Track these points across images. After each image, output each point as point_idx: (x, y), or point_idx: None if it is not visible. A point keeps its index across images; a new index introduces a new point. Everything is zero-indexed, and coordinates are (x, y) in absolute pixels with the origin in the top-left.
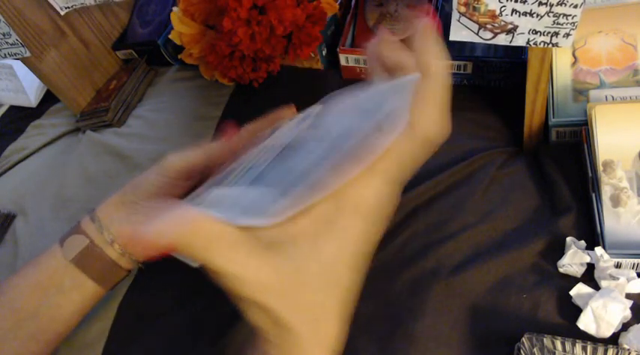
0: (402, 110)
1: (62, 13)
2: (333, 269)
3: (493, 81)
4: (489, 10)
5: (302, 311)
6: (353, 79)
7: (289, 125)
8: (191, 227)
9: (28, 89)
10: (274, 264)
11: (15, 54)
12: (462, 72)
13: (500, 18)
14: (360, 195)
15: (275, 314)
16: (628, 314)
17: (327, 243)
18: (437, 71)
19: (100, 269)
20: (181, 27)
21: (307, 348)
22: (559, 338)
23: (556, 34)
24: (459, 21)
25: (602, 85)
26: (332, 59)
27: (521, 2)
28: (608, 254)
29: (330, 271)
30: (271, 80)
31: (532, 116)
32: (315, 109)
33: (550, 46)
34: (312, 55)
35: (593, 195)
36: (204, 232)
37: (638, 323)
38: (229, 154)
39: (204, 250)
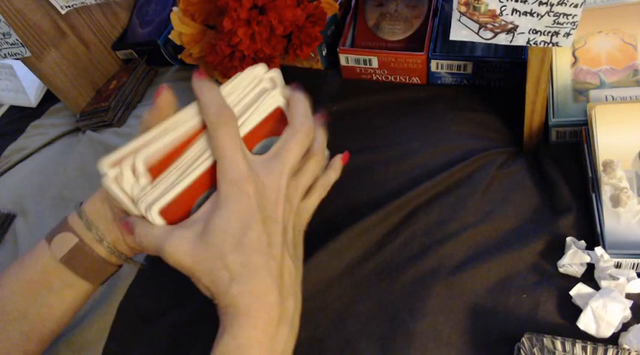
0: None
1: (63, 12)
2: (231, 231)
3: (493, 81)
4: (490, 10)
5: (222, 270)
6: (353, 78)
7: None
8: (139, 232)
9: (28, 89)
10: (184, 237)
11: (15, 54)
12: (462, 72)
13: (500, 17)
14: (227, 170)
15: (204, 275)
16: (628, 314)
17: (218, 214)
18: (218, 119)
19: (89, 267)
20: (181, 27)
21: (235, 301)
22: (559, 338)
23: (556, 33)
24: (459, 21)
25: (602, 85)
26: (332, 59)
27: (521, 2)
28: (608, 254)
29: (228, 233)
30: None
31: (532, 116)
32: None
33: (550, 45)
34: (312, 55)
35: (593, 195)
36: (145, 237)
37: (638, 323)
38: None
39: (148, 246)
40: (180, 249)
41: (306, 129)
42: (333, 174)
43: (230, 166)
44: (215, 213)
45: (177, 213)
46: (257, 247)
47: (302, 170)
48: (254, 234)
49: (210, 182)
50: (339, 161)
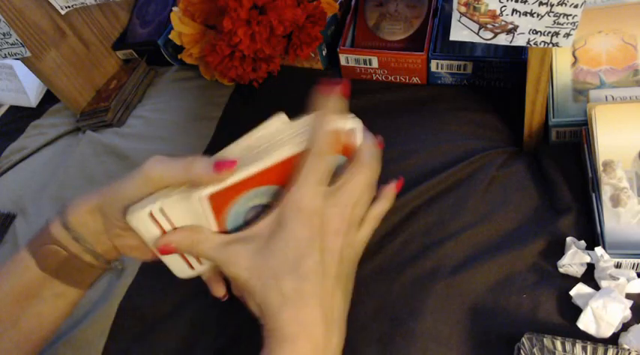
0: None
1: (62, 12)
2: (289, 257)
3: (493, 81)
4: (490, 10)
5: (277, 294)
6: (353, 79)
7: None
8: (191, 242)
9: (28, 89)
10: (250, 253)
11: (15, 54)
12: (462, 72)
13: (500, 18)
14: (297, 200)
15: (256, 295)
16: (628, 314)
17: (279, 238)
18: (319, 149)
19: (79, 275)
20: (181, 27)
21: (284, 326)
22: (559, 338)
23: (556, 34)
24: (459, 21)
25: (602, 85)
26: (332, 59)
27: (521, 2)
28: (608, 254)
29: (291, 259)
30: (271, 80)
31: (532, 116)
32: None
33: (550, 46)
34: (312, 55)
35: (593, 195)
36: (201, 245)
37: (638, 323)
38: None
39: (204, 254)
40: (240, 262)
41: (375, 166)
42: (386, 203)
43: (306, 195)
44: (277, 233)
45: (223, 203)
46: (312, 276)
47: (358, 203)
48: (311, 263)
49: (263, 180)
50: (392, 191)
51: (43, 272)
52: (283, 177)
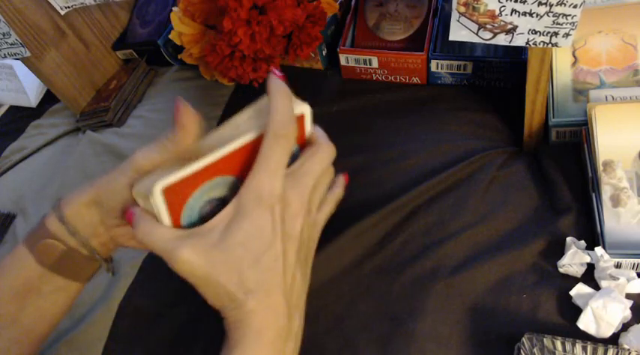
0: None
1: (62, 12)
2: (250, 248)
3: (493, 81)
4: (489, 10)
5: (240, 283)
6: (353, 78)
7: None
8: (143, 230)
9: (28, 89)
10: (203, 246)
11: (15, 54)
12: (462, 72)
13: (499, 18)
14: (256, 187)
15: (217, 285)
16: (628, 314)
17: (238, 228)
18: (277, 131)
19: (77, 269)
20: (181, 27)
21: (251, 315)
22: (559, 338)
23: (555, 34)
24: (458, 21)
25: (602, 85)
26: (332, 59)
27: (520, 2)
28: (608, 254)
29: (247, 249)
30: None
31: (532, 116)
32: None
33: (550, 46)
34: (312, 55)
35: (593, 195)
36: (152, 241)
37: (638, 323)
38: (193, 146)
39: (153, 248)
40: (194, 259)
41: (332, 148)
42: (340, 190)
43: (266, 182)
44: (236, 225)
45: (178, 197)
46: (274, 266)
47: (318, 183)
48: (273, 252)
49: (218, 170)
50: (342, 179)
51: (41, 267)
52: (239, 166)
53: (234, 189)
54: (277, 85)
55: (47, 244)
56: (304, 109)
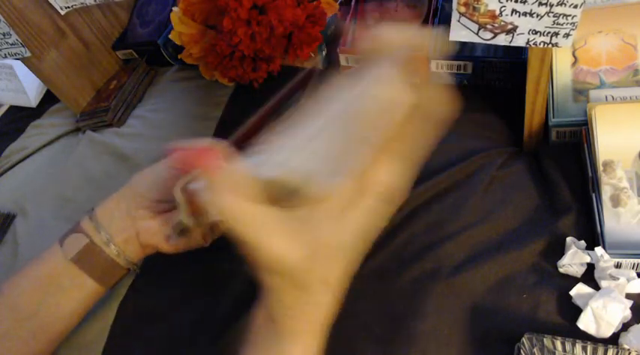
0: (402, 91)
1: (62, 13)
2: (352, 245)
3: (493, 81)
4: (489, 11)
5: (321, 276)
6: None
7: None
8: (228, 205)
9: (28, 89)
10: (304, 241)
11: (15, 54)
12: (462, 72)
13: (500, 18)
14: (377, 176)
15: (298, 279)
16: (628, 314)
17: (350, 222)
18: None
19: (99, 267)
20: (181, 27)
21: (319, 307)
22: (559, 338)
23: (556, 34)
24: (458, 21)
25: (602, 85)
26: (332, 59)
27: (521, 2)
28: (608, 254)
29: (349, 247)
30: (271, 80)
31: (532, 116)
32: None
33: (550, 46)
34: (312, 55)
35: (593, 195)
36: (240, 213)
37: (638, 323)
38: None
39: (241, 229)
40: (289, 250)
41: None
42: None
43: (388, 176)
44: (346, 217)
45: None
46: (354, 261)
47: None
48: (361, 249)
49: None
50: None
51: (66, 259)
52: None
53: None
54: None
55: (74, 237)
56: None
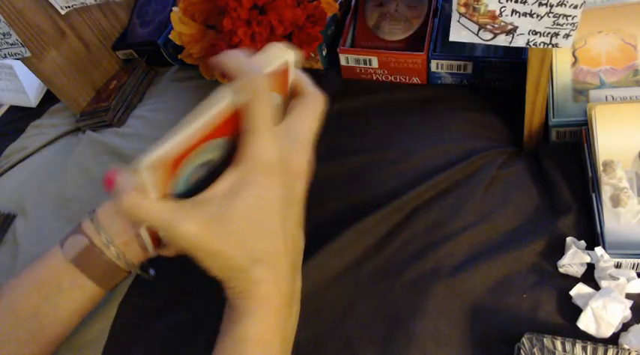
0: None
1: (62, 13)
2: (257, 216)
3: (493, 81)
4: (489, 11)
5: (245, 253)
6: (353, 78)
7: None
8: (135, 202)
9: (28, 89)
10: (203, 216)
11: (15, 54)
12: (462, 72)
13: (500, 18)
14: (258, 155)
15: (222, 256)
16: (628, 314)
17: (242, 198)
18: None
19: (99, 269)
20: (181, 27)
21: (261, 284)
22: (559, 338)
23: (556, 34)
24: (458, 21)
25: (602, 85)
26: (332, 59)
27: (521, 3)
28: (608, 254)
29: (255, 217)
30: None
31: (532, 116)
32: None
33: (550, 46)
34: (312, 55)
35: (593, 195)
36: (144, 208)
37: (638, 323)
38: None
39: (150, 221)
40: (198, 231)
41: (320, 94)
42: None
43: (262, 146)
44: (238, 195)
45: (166, 170)
46: (279, 234)
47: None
48: (278, 220)
49: (207, 136)
50: None
51: (66, 261)
52: (228, 127)
53: (225, 151)
54: (232, 54)
55: (74, 239)
56: (288, 57)
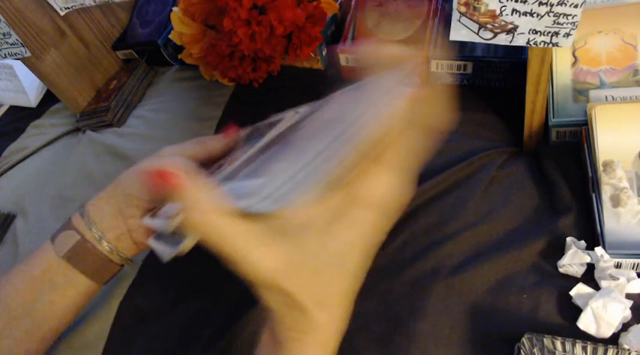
0: (399, 94)
1: (62, 13)
2: (343, 258)
3: (493, 81)
4: (489, 10)
5: (313, 294)
6: (353, 79)
7: (284, 123)
8: (205, 222)
9: (28, 89)
10: (285, 250)
11: (15, 54)
12: (462, 72)
13: (500, 18)
14: (369, 187)
15: (289, 296)
16: (628, 314)
17: (338, 233)
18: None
19: (92, 264)
20: (181, 27)
21: (319, 328)
22: (559, 338)
23: (556, 33)
24: (459, 21)
25: (602, 85)
26: (332, 59)
27: (521, 2)
28: (608, 254)
29: (340, 259)
30: (271, 80)
31: (532, 116)
32: (305, 108)
33: (550, 45)
34: (312, 55)
35: (593, 195)
36: (218, 228)
37: (638, 323)
38: (226, 152)
39: (219, 243)
40: (271, 263)
41: None
42: None
43: (375, 187)
44: (331, 230)
45: None
46: (354, 276)
47: None
48: (356, 261)
49: None
50: None
51: (58, 257)
52: None
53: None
54: None
55: (66, 234)
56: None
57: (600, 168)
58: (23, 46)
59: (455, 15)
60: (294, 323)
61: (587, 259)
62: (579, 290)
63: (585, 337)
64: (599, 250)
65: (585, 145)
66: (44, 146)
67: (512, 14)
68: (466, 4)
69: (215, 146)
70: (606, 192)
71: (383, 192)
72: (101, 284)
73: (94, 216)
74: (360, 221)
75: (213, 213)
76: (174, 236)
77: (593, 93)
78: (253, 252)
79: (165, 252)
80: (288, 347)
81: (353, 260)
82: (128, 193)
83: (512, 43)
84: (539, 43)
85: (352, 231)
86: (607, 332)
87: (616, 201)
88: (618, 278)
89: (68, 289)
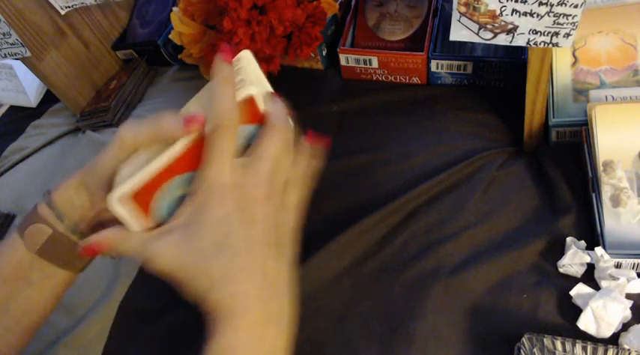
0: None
1: (62, 12)
2: (212, 239)
3: (493, 81)
4: (490, 10)
5: (209, 275)
6: (353, 78)
7: None
8: (113, 243)
9: (28, 89)
10: (168, 245)
11: (15, 54)
12: (462, 72)
13: (500, 18)
14: (209, 179)
15: (186, 285)
16: (628, 314)
17: (199, 222)
18: (219, 123)
19: (67, 256)
20: (181, 27)
21: (224, 302)
22: (559, 338)
23: (556, 34)
24: (459, 21)
25: (602, 85)
26: (332, 59)
27: (521, 2)
28: (608, 254)
29: (210, 240)
30: (271, 80)
31: (532, 116)
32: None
33: (550, 46)
34: (312, 55)
35: (593, 195)
36: (122, 245)
37: (638, 323)
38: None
39: (126, 253)
40: (166, 256)
41: (285, 126)
42: (305, 159)
43: (215, 172)
44: (197, 217)
45: (141, 200)
46: (236, 251)
47: (277, 166)
48: (233, 240)
49: (180, 168)
50: (306, 144)
51: (30, 252)
52: (197, 161)
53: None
54: (220, 70)
55: (35, 228)
56: (250, 91)
57: (600, 168)
58: (23, 46)
59: (455, 15)
60: (203, 303)
61: (587, 259)
62: (579, 290)
63: (585, 337)
64: (599, 250)
65: (585, 145)
66: (44, 146)
67: (512, 14)
68: (466, 4)
69: (170, 128)
70: (606, 192)
71: (222, 178)
72: (78, 272)
73: (63, 206)
74: (211, 205)
75: (113, 233)
76: None
77: (593, 93)
78: (150, 250)
79: None
80: (208, 327)
81: (225, 237)
82: (98, 188)
83: (512, 44)
84: (539, 43)
85: (210, 214)
86: (607, 332)
87: (616, 201)
88: (618, 278)
89: (45, 283)
